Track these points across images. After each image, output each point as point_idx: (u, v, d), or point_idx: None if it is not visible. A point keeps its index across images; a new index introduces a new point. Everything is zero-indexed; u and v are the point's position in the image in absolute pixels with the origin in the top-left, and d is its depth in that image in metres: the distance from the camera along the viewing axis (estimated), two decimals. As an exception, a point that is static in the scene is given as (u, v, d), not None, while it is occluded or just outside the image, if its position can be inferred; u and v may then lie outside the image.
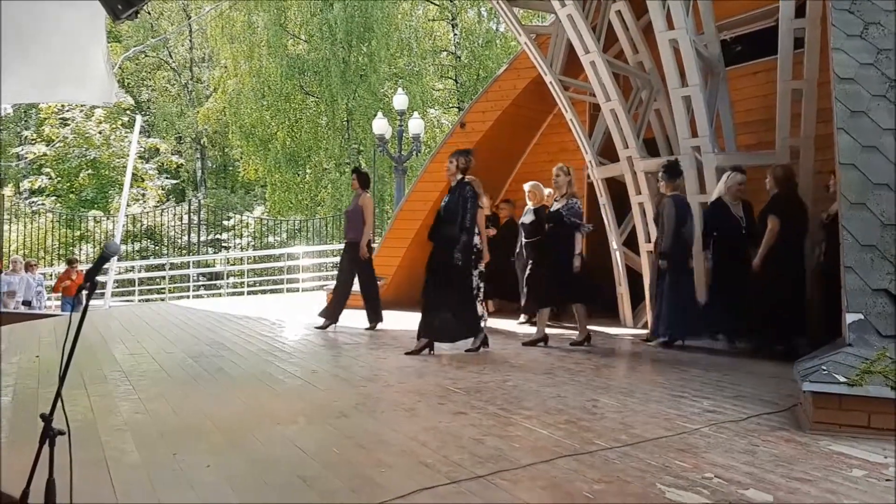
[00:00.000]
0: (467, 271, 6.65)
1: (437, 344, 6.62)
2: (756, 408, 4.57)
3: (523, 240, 8.96)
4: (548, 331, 7.34)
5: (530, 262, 8.76)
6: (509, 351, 6.88)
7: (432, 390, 4.95)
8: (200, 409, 4.34)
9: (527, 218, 8.89)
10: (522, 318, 9.19)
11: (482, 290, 8.23)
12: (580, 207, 7.13)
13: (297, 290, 16.69)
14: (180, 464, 3.24)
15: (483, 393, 4.89)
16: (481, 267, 8.23)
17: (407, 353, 6.43)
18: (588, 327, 7.27)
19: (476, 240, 8.09)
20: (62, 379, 2.33)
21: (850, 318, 4.28)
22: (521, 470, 3.23)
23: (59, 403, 2.31)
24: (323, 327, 8.12)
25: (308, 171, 26.61)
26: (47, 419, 2.28)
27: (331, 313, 8.21)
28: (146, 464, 3.24)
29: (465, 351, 6.58)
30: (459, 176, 6.64)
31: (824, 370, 4.02)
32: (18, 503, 2.31)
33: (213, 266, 21.23)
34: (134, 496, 2.84)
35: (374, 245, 8.72)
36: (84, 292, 2.30)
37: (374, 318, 8.33)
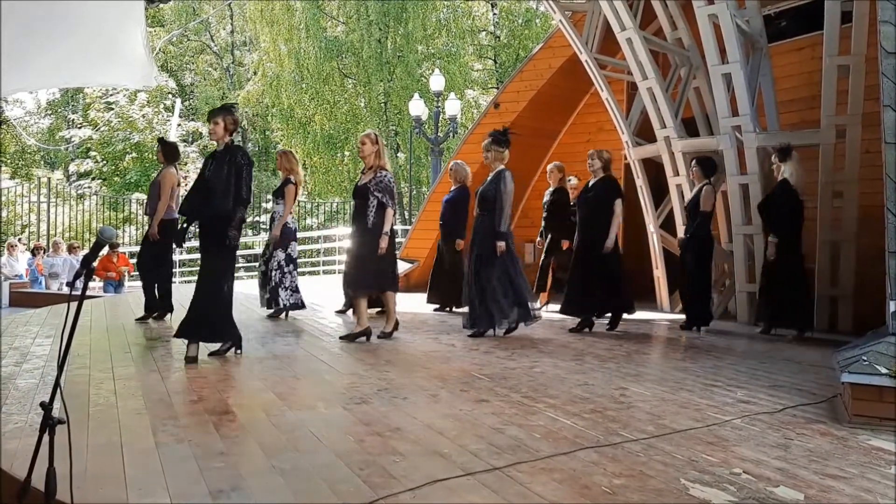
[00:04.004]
0: (227, 256, 5.43)
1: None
2: (792, 398, 4.39)
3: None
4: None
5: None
6: (539, 336, 6.76)
7: (456, 376, 4.87)
8: (221, 392, 4.32)
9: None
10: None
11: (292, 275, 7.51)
12: (391, 181, 6.22)
13: (334, 272, 16.73)
14: (193, 449, 3.21)
15: (508, 379, 4.79)
16: (292, 249, 7.53)
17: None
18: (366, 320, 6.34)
19: (286, 219, 7.46)
20: (60, 368, 2.29)
21: (893, 306, 4.08)
22: (539, 461, 3.13)
23: (58, 392, 2.28)
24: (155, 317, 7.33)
25: (346, 153, 26.67)
26: (47, 408, 2.25)
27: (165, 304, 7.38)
28: (160, 449, 3.22)
29: (208, 354, 5.39)
30: (228, 139, 5.36)
31: (865, 360, 3.84)
32: (18, 493, 2.28)
33: (253, 248, 21.45)
34: (143, 482, 2.81)
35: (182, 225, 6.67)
36: (80, 279, 2.24)
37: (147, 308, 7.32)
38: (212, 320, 5.30)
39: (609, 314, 7.23)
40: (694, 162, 7.52)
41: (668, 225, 8.97)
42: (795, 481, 2.96)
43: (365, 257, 6.11)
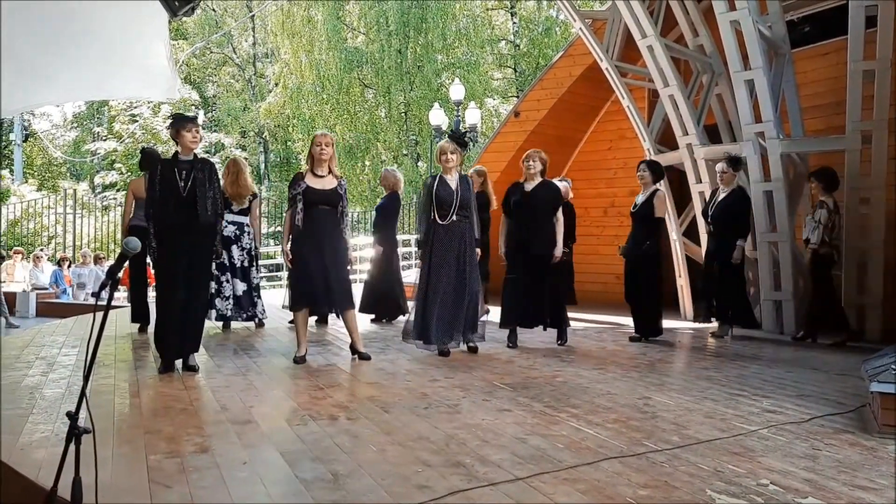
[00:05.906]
0: (211, 268, 5.38)
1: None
2: (820, 408, 4.33)
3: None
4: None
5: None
6: (560, 345, 6.72)
7: (478, 385, 4.85)
8: (244, 402, 4.34)
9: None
10: None
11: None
12: None
13: (355, 281, 16.79)
14: (217, 458, 3.22)
15: (530, 389, 4.77)
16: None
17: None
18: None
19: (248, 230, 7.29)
20: (86, 378, 2.31)
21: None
22: (562, 472, 3.10)
23: (84, 402, 2.30)
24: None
25: (367, 162, 26.78)
26: (73, 417, 2.27)
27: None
28: (184, 458, 3.23)
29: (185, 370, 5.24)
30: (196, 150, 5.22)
31: (894, 369, 3.77)
32: (45, 502, 2.31)
33: (274, 258, 21.55)
34: (167, 492, 2.82)
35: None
36: (106, 289, 2.27)
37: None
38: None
39: (540, 326, 6.78)
40: (644, 166, 7.16)
41: (690, 232, 8.91)
42: (824, 493, 2.91)
43: (346, 269, 5.70)
